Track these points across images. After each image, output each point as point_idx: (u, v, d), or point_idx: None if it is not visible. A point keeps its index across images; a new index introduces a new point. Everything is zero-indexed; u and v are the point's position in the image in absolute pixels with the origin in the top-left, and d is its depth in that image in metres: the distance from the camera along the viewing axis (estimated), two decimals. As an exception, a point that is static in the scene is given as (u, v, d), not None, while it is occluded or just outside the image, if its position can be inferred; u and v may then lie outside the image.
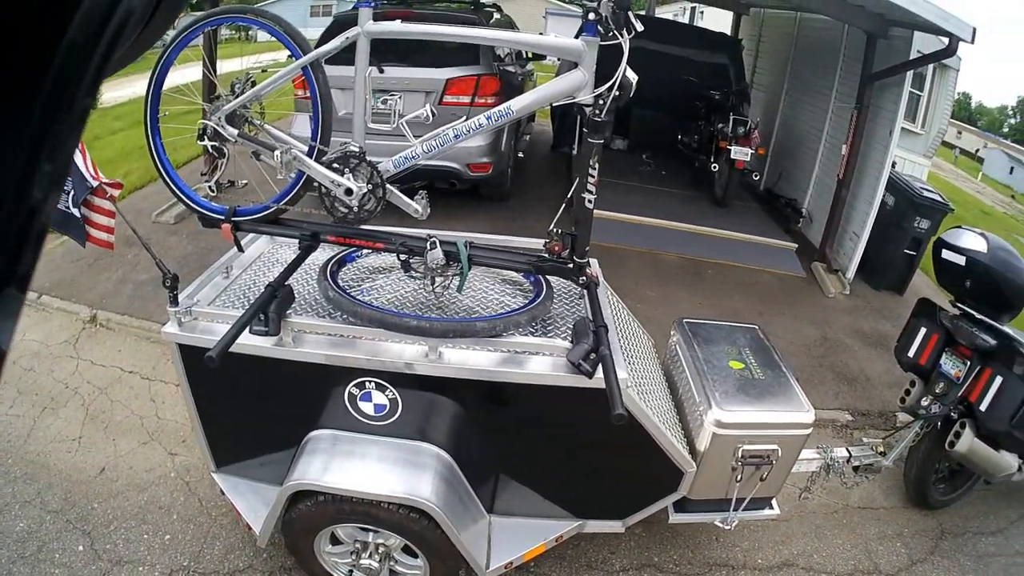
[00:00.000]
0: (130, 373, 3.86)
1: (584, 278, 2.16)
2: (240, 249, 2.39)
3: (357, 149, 2.10)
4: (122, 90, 12.66)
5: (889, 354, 3.58)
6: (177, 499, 3.08)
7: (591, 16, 1.92)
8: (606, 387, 1.84)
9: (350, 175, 2.09)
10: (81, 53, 0.32)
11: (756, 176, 7.57)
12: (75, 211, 2.66)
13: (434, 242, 2.09)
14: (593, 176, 2.02)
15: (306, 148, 2.16)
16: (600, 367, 1.94)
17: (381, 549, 2.48)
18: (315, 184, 2.14)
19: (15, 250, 0.32)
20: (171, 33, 2.29)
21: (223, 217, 2.28)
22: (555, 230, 2.11)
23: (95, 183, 2.62)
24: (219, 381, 2.27)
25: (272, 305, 2.03)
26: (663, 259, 6.18)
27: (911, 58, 5.65)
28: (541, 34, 2.12)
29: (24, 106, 0.30)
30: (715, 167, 7.14)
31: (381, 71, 4.76)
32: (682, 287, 5.68)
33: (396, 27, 2.10)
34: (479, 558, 2.35)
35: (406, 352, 2.13)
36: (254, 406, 2.42)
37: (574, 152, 7.44)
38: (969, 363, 3.15)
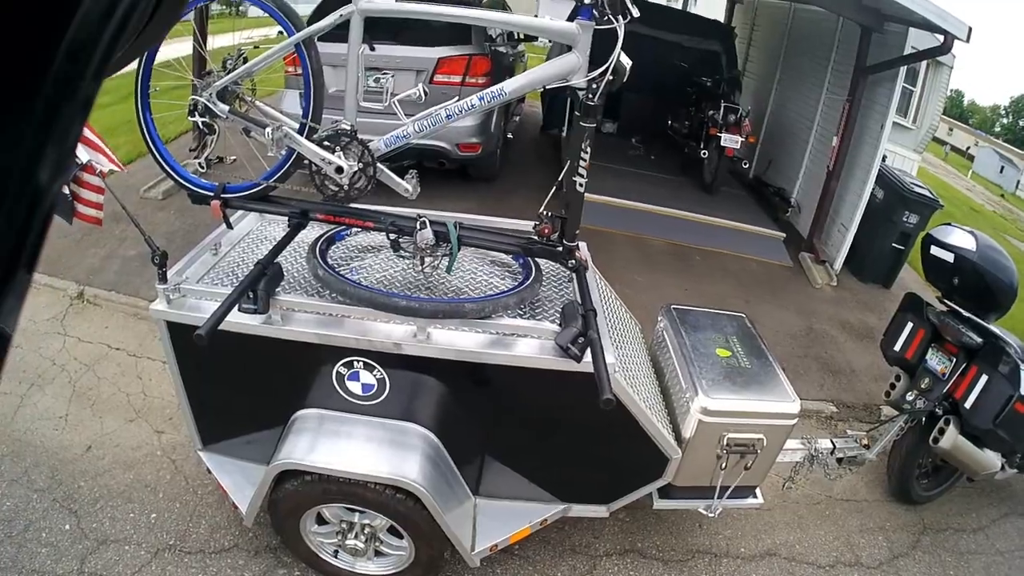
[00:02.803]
0: (117, 350, 3.84)
1: (573, 261, 2.16)
2: (229, 226, 2.38)
3: (348, 127, 2.09)
4: None
5: (875, 347, 3.61)
6: (163, 477, 3.07)
7: (587, 0, 1.91)
8: (594, 371, 1.84)
9: (341, 153, 2.08)
10: (85, 43, 0.32)
11: (745, 164, 7.58)
12: (64, 188, 2.64)
13: (424, 222, 2.09)
14: (585, 160, 2.02)
15: (296, 125, 2.15)
16: (588, 351, 1.94)
17: (367, 529, 2.48)
18: (305, 162, 2.13)
19: (22, 233, 0.33)
20: None
21: (212, 194, 2.27)
22: (545, 212, 2.10)
23: (84, 159, 2.60)
24: (206, 359, 2.25)
25: (261, 283, 2.03)
26: (650, 244, 6.18)
27: (905, 53, 5.67)
28: (535, 16, 2.10)
29: (30, 93, 0.31)
30: (704, 154, 7.15)
31: (372, 49, 4.68)
32: (669, 273, 5.69)
33: (391, 5, 2.09)
34: (464, 540, 2.36)
35: (395, 332, 2.13)
36: (241, 384, 2.42)
37: (564, 134, 7.44)
38: (955, 360, 3.18)
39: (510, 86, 2.02)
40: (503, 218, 2.68)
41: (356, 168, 2.08)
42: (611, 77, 1.93)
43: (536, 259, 2.33)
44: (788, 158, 7.74)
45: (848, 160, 6.23)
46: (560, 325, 2.08)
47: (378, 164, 2.10)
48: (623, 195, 6.58)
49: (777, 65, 8.58)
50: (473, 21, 2.17)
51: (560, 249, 2.14)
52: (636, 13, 1.86)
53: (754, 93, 9.03)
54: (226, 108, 2.19)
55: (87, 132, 2.68)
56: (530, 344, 2.12)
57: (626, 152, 8.17)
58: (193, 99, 2.19)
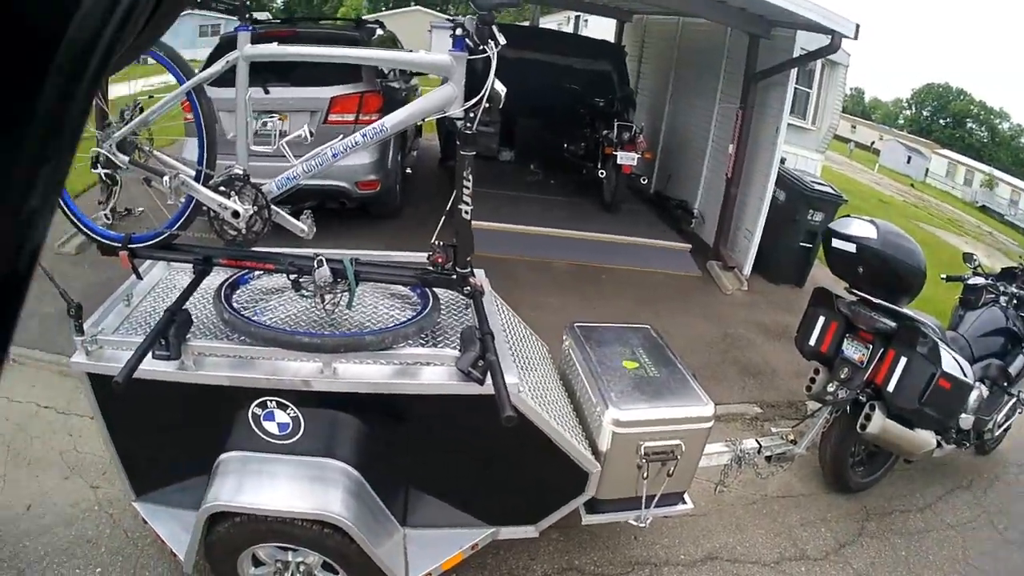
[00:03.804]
0: (46, 408, 3.79)
1: (468, 288, 2.22)
2: (138, 276, 2.41)
3: (241, 172, 2.14)
4: None
5: (792, 345, 3.69)
6: (103, 532, 3.04)
7: (458, 31, 1.99)
8: (494, 391, 1.89)
9: (236, 198, 2.12)
10: (85, 44, 0.32)
11: (644, 180, 7.74)
12: None
13: (320, 260, 2.13)
14: (468, 188, 2.08)
15: (193, 173, 2.19)
16: (489, 373, 1.99)
17: (303, 567, 2.48)
18: (204, 208, 2.17)
19: (13, 258, 0.33)
20: None
21: (120, 244, 2.29)
22: (437, 243, 2.16)
23: None
24: (130, 409, 2.27)
25: (171, 329, 2.05)
26: (556, 267, 6.23)
27: (794, 56, 5.81)
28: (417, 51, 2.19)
29: (30, 94, 0.30)
30: (602, 173, 7.27)
31: (267, 92, 4.73)
32: (576, 294, 5.73)
33: (273, 49, 2.15)
34: (397, 571, 2.37)
35: (302, 369, 2.16)
36: (166, 432, 2.43)
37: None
38: (872, 347, 3.24)
39: (390, 121, 2.09)
40: (403, 252, 2.73)
41: (251, 211, 2.12)
42: (487, 104, 2.00)
43: (433, 289, 2.39)
44: (687, 170, 7.89)
45: (747, 166, 6.35)
46: (460, 351, 2.13)
47: (272, 207, 2.15)
48: (524, 221, 6.64)
49: (669, 80, 8.74)
50: (350, 60, 2.24)
51: (454, 277, 2.20)
52: (503, 40, 1.94)
53: (648, 109, 9.19)
54: (126, 159, 2.20)
55: None
56: (434, 371, 2.17)
57: (525, 179, 8.25)
58: (95, 151, 2.21)
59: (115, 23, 0.33)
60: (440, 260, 2.16)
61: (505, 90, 2.00)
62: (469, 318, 2.54)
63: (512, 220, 6.54)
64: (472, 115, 2.01)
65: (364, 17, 7.61)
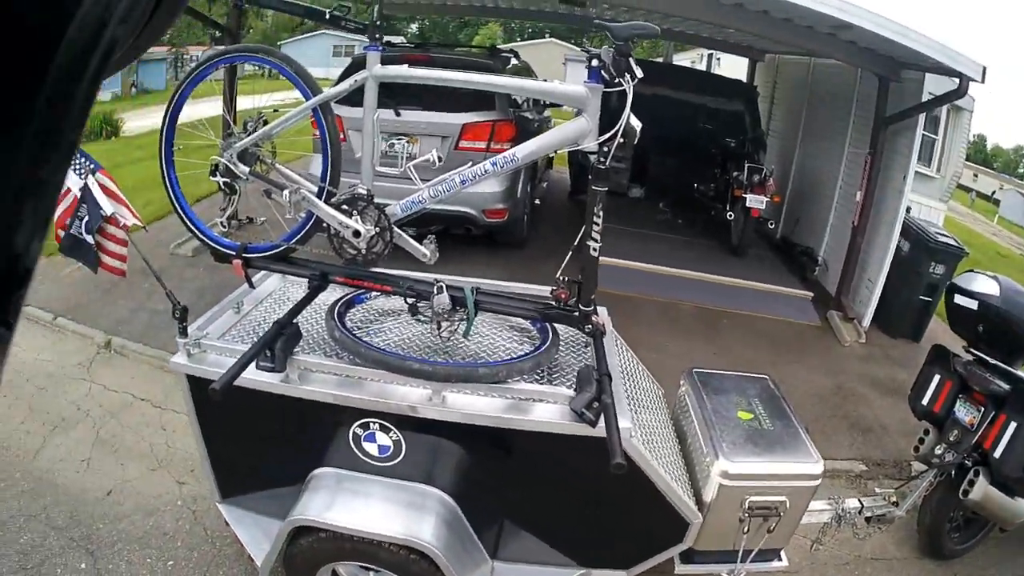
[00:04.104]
0: (142, 400, 3.89)
1: (590, 326, 2.15)
2: (251, 285, 2.42)
3: (365, 192, 2.12)
4: (144, 120, 12.89)
5: (904, 402, 3.54)
6: (183, 527, 3.08)
7: (594, 63, 1.93)
8: (607, 436, 1.82)
9: (358, 217, 2.10)
10: (85, 44, 0.32)
11: (772, 224, 7.51)
12: (88, 238, 2.71)
13: (441, 287, 2.09)
14: (598, 224, 2.01)
15: (315, 189, 2.18)
16: (603, 416, 1.92)
17: (382, 588, 2.46)
18: (324, 225, 2.16)
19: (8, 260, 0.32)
20: (188, 68, 2.35)
21: (234, 253, 2.30)
22: (562, 278, 2.10)
23: (109, 211, 2.67)
24: (226, 414, 2.29)
25: (279, 342, 2.05)
26: (679, 308, 6.13)
27: (923, 100, 5.61)
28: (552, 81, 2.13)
29: (30, 94, 0.31)
30: (731, 215, 7.10)
31: (398, 114, 4.83)
32: (697, 336, 5.65)
33: (403, 71, 2.14)
34: None
35: (410, 395, 2.13)
36: (260, 440, 2.44)
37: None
38: (983, 409, 3.10)
39: (522, 151, 2.04)
40: (525, 284, 2.68)
41: (373, 232, 2.10)
42: (622, 140, 1.93)
43: (553, 324, 2.32)
44: (814, 215, 7.65)
45: (873, 214, 6.13)
46: (575, 390, 2.06)
47: (396, 229, 2.12)
48: (650, 259, 6.57)
49: (800, 122, 8.52)
50: (484, 87, 2.19)
51: (576, 314, 2.13)
52: (640, 73, 1.86)
53: (779, 152, 8.96)
54: (247, 169, 2.23)
55: (111, 184, 2.76)
56: (546, 409, 2.11)
57: (654, 217, 8.15)
58: (214, 159, 2.25)
59: (115, 23, 0.33)
60: (563, 296, 2.10)
61: (640, 126, 1.93)
62: (587, 356, 2.47)
63: (638, 258, 6.47)
64: (606, 150, 1.94)
65: (499, 46, 7.57)
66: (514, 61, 7.16)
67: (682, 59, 17.62)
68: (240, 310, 2.54)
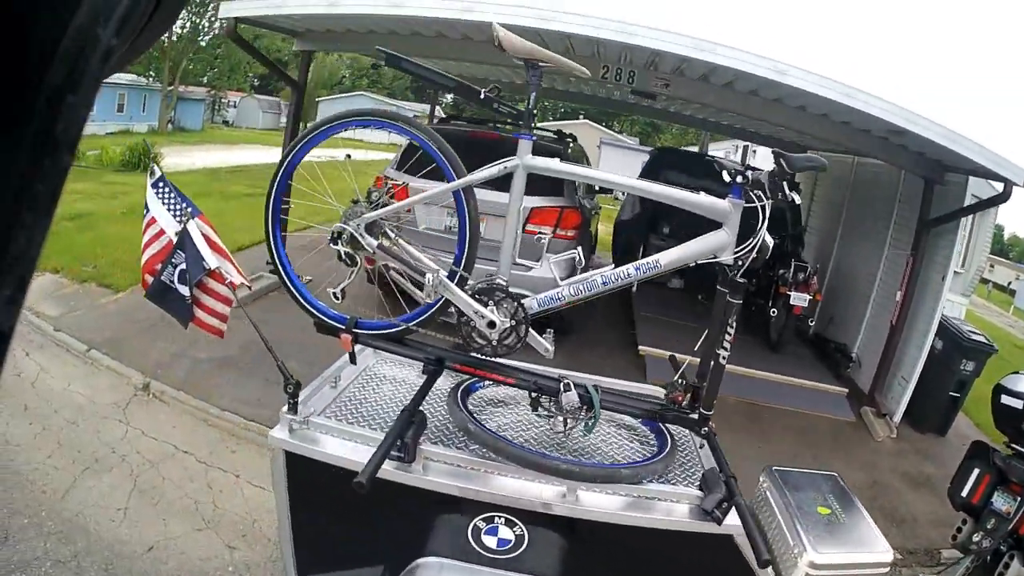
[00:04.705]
0: (185, 453, 3.77)
1: (706, 429, 2.21)
2: (353, 362, 2.39)
3: (504, 282, 2.13)
4: (181, 158, 12.41)
5: (932, 495, 3.76)
6: (236, 597, 2.97)
7: (738, 179, 2.02)
8: (747, 535, 1.86)
9: (494, 308, 2.11)
10: (84, 44, 0.32)
11: (812, 322, 7.59)
12: (182, 288, 2.58)
13: (568, 384, 2.10)
14: (730, 334, 2.08)
15: (438, 270, 2.12)
16: (731, 514, 1.96)
17: None
18: (451, 310, 2.15)
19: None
20: (306, 129, 2.31)
21: (343, 327, 2.26)
22: (679, 380, 2.16)
23: (213, 265, 2.55)
24: (325, 495, 2.22)
25: (409, 431, 2.02)
26: (722, 401, 6.15)
27: (966, 204, 5.74)
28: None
29: (29, 94, 0.30)
30: (773, 312, 7.19)
31: None
32: (741, 430, 5.74)
33: (552, 165, 2.17)
34: None
35: (544, 492, 2.09)
36: (354, 524, 2.37)
37: (634, 289, 7.43)
38: (1020, 499, 3.34)
39: (665, 258, 2.10)
40: (625, 381, 2.73)
41: (508, 325, 2.11)
42: (755, 255, 2.02)
43: (667, 425, 2.36)
44: (850, 313, 7.76)
45: (910, 314, 6.25)
46: (701, 490, 2.11)
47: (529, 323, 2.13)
48: (690, 352, 6.60)
49: (840, 219, 8.64)
50: (627, 189, 2.26)
51: (694, 416, 2.19)
52: (799, 200, 1.96)
53: (816, 248, 9.08)
54: (375, 243, 2.14)
55: (212, 235, 2.63)
56: (673, 508, 2.14)
57: (693, 308, 8.15)
58: (339, 226, 2.15)
59: (115, 24, 0.33)
60: (679, 399, 2.15)
61: (773, 243, 2.03)
62: (690, 458, 2.52)
63: (678, 350, 6.50)
64: (740, 263, 2.02)
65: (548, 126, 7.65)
66: (572, 144, 7.23)
67: (717, 149, 17.40)
68: (336, 386, 2.50)
